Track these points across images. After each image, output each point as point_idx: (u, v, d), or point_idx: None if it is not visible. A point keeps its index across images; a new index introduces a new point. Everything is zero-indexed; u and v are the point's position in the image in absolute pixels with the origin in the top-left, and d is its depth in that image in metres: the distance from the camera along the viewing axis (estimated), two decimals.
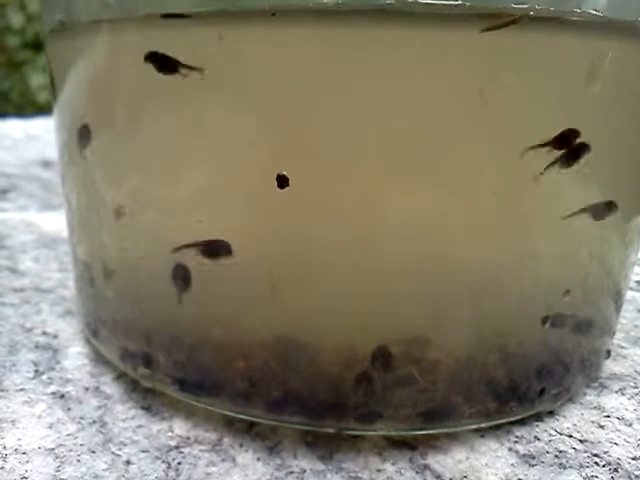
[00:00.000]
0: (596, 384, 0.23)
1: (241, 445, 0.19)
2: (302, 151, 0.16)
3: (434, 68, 0.16)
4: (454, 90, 0.16)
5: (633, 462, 0.19)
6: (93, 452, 0.18)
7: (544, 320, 0.19)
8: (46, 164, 0.55)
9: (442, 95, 0.16)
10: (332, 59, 0.15)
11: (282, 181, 0.16)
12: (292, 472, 0.18)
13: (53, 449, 0.18)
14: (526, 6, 0.15)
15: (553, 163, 0.17)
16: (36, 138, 0.65)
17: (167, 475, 0.17)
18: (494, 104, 0.16)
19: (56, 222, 0.39)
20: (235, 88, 0.16)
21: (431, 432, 0.19)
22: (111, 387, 0.22)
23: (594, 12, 0.16)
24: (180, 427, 0.20)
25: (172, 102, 0.17)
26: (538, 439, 0.19)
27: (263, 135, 0.16)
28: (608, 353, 0.23)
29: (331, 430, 0.18)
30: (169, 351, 0.19)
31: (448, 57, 0.15)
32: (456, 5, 0.15)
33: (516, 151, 0.17)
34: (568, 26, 0.16)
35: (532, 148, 0.16)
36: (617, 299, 0.22)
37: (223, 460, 0.18)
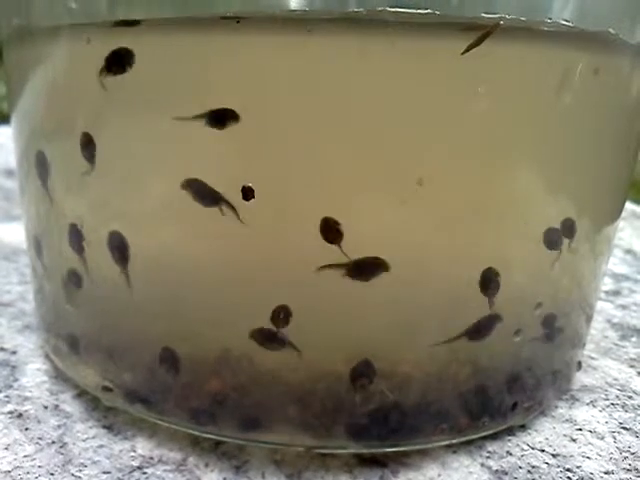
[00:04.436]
0: (567, 396, 0.23)
1: (207, 465, 0.18)
2: (268, 162, 0.16)
3: (404, 77, 0.15)
4: (424, 100, 0.15)
5: (605, 476, 0.18)
6: (52, 474, 0.18)
7: (516, 332, 0.18)
8: (9, 173, 0.54)
9: (412, 105, 0.15)
10: (299, 68, 0.15)
11: (247, 193, 0.15)
12: None
13: (10, 471, 0.18)
14: (497, 16, 0.15)
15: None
16: (1, 146, 0.64)
17: None
18: (465, 114, 0.16)
19: (17, 233, 0.37)
20: (199, 97, 0.16)
21: (402, 449, 0.18)
22: (71, 405, 0.21)
23: (564, 22, 0.15)
24: (143, 447, 0.19)
25: (134, 111, 0.17)
26: (510, 454, 0.19)
27: (228, 146, 0.16)
28: (579, 365, 0.23)
29: (300, 448, 0.18)
30: (132, 368, 0.19)
31: (419, 66, 0.15)
32: (425, 14, 0.15)
33: (486, 165, 0.16)
34: (539, 37, 0.16)
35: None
36: (587, 310, 0.21)
37: None
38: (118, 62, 0.16)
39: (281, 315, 0.17)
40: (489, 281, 0.17)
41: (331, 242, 0.16)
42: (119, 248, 0.18)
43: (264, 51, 0.15)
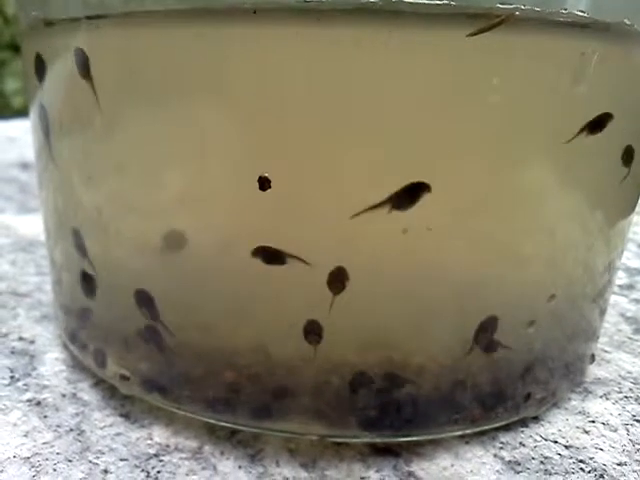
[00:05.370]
0: (580, 389, 0.23)
1: (222, 453, 0.18)
2: (284, 152, 0.16)
3: (419, 68, 0.15)
4: (439, 91, 0.15)
5: (618, 468, 0.18)
6: (70, 461, 0.18)
7: (529, 324, 0.18)
8: (24, 166, 0.54)
9: (427, 96, 0.16)
10: (315, 59, 0.15)
11: (263, 183, 0.16)
12: None
13: (29, 458, 0.18)
14: (512, 6, 0.15)
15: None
16: (15, 140, 0.64)
17: None
18: (480, 106, 0.16)
19: (33, 225, 0.38)
20: (216, 88, 0.16)
21: (415, 439, 0.19)
22: (89, 394, 0.21)
23: (579, 13, 0.15)
24: (160, 434, 0.19)
25: (152, 103, 0.17)
26: (523, 445, 0.19)
27: (245, 136, 0.16)
28: (592, 357, 0.23)
29: (314, 437, 0.18)
30: (148, 357, 0.19)
31: (434, 57, 0.15)
32: (441, 4, 0.15)
33: (502, 157, 0.16)
34: (554, 27, 0.16)
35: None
36: (601, 303, 0.21)
37: (204, 468, 0.18)
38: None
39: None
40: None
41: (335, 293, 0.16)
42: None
43: (280, 42, 0.15)
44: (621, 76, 0.17)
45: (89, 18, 0.17)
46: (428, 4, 0.15)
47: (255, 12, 0.15)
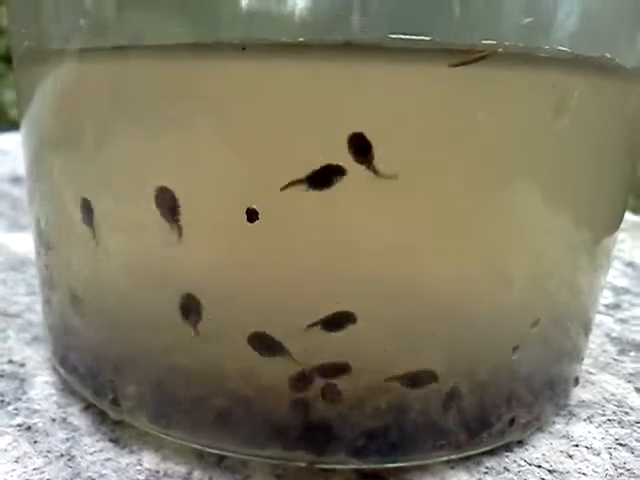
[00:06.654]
0: (565, 412, 0.23)
1: (211, 478, 0.19)
2: (272, 185, 0.16)
3: (403, 103, 0.16)
4: (422, 125, 0.16)
5: None
6: None
7: (514, 349, 0.19)
8: (16, 180, 0.54)
9: (410, 129, 0.16)
10: (303, 93, 0.16)
11: (251, 215, 0.16)
12: None
13: None
14: (495, 42, 0.15)
15: None
16: (7, 153, 0.64)
17: None
18: (462, 138, 0.16)
19: (25, 243, 0.38)
20: (206, 121, 0.16)
21: (402, 464, 0.19)
22: (79, 418, 0.21)
23: (562, 48, 0.16)
24: (149, 460, 0.19)
25: (141, 132, 0.17)
26: (507, 470, 0.20)
27: (233, 168, 0.16)
28: (577, 380, 0.23)
29: (302, 464, 0.18)
30: (138, 382, 0.19)
31: (417, 92, 0.16)
32: (425, 40, 0.15)
33: (485, 182, 0.17)
34: (536, 62, 0.16)
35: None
36: (586, 325, 0.22)
37: None
38: None
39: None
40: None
41: None
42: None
43: (269, 77, 0.15)
44: (603, 108, 0.18)
45: (82, 50, 0.17)
46: (412, 40, 0.15)
47: (244, 49, 0.15)
